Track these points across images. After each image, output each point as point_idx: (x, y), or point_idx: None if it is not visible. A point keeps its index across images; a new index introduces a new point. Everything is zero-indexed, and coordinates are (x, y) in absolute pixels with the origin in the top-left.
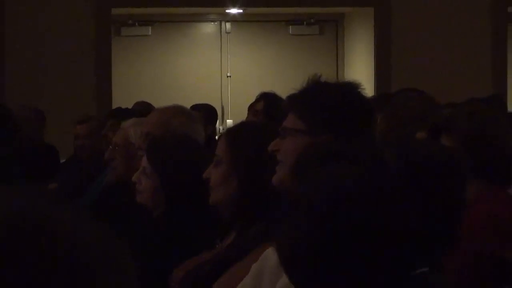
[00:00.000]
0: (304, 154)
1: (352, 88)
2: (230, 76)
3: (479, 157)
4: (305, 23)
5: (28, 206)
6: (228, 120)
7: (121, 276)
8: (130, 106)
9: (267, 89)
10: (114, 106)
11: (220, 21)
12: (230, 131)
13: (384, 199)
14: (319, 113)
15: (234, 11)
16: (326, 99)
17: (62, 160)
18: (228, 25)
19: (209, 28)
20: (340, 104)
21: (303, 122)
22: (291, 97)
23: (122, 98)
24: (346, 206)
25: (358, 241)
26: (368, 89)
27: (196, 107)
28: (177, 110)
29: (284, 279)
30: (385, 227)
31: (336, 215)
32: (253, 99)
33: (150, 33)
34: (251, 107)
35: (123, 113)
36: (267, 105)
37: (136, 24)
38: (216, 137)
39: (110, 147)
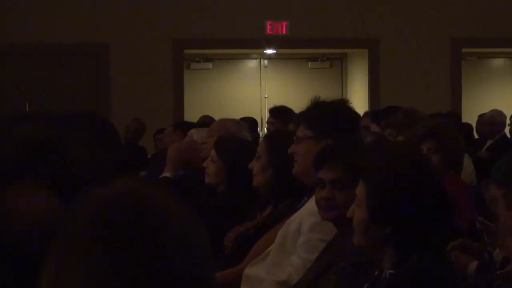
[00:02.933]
0: (317, 154)
1: (343, 104)
2: (267, 97)
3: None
4: (319, 60)
5: (140, 189)
6: (265, 128)
7: (198, 239)
8: (196, 119)
9: (293, 106)
10: (186, 119)
11: (260, 59)
12: (268, 136)
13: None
14: (322, 124)
15: (269, 51)
16: (326, 113)
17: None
18: (265, 61)
19: (252, 63)
20: (336, 116)
21: (310, 131)
22: (300, 114)
23: (192, 114)
24: None
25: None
26: (363, 106)
27: (243, 118)
28: (232, 120)
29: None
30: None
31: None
32: None
33: (211, 67)
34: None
35: (186, 125)
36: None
37: (201, 60)
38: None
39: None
